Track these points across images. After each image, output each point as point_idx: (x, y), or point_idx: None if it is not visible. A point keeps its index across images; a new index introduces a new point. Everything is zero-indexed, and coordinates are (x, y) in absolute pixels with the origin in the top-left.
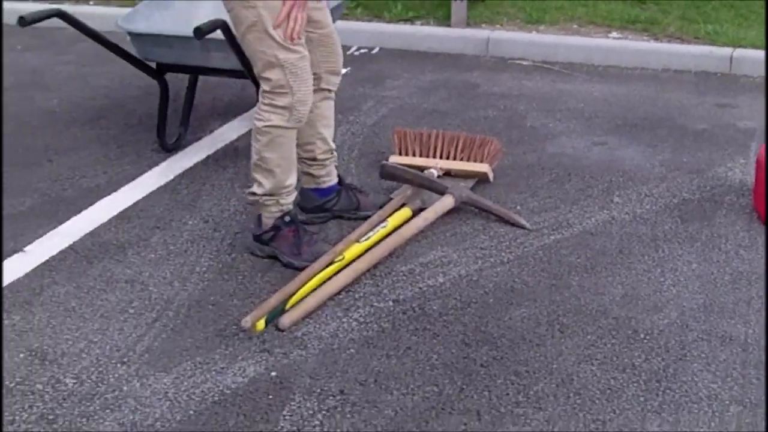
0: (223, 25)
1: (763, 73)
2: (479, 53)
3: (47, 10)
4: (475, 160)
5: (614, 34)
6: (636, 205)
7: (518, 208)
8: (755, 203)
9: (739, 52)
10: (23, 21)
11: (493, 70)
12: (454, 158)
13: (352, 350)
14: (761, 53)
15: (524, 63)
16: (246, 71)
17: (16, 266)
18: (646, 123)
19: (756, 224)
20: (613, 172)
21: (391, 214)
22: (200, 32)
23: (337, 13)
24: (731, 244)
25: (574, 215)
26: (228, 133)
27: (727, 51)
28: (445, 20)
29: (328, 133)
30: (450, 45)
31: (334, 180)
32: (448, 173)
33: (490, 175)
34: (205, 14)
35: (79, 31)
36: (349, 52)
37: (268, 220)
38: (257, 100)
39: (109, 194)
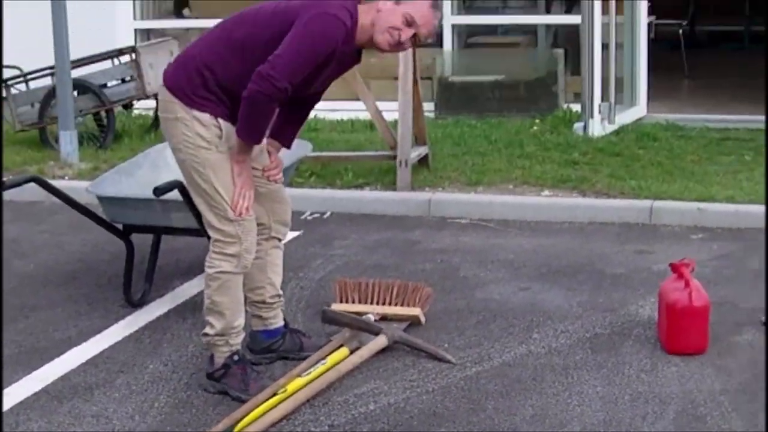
0: (180, 185)
1: (680, 222)
2: (422, 214)
3: (24, 176)
4: (408, 305)
5: (546, 192)
6: (552, 340)
7: (446, 345)
8: (659, 333)
9: (659, 203)
10: (2, 186)
11: (433, 228)
12: (389, 304)
13: None
14: (679, 204)
15: (462, 221)
16: (203, 230)
17: None
18: (568, 270)
19: (658, 351)
20: (535, 312)
21: (330, 353)
22: (159, 191)
23: (287, 174)
24: (634, 369)
25: (496, 350)
26: (189, 289)
27: (647, 203)
28: (392, 185)
29: (277, 279)
30: (395, 208)
31: (281, 322)
32: (384, 317)
33: (422, 318)
34: (166, 179)
35: (53, 194)
36: (302, 217)
37: (219, 359)
38: None
39: (79, 344)
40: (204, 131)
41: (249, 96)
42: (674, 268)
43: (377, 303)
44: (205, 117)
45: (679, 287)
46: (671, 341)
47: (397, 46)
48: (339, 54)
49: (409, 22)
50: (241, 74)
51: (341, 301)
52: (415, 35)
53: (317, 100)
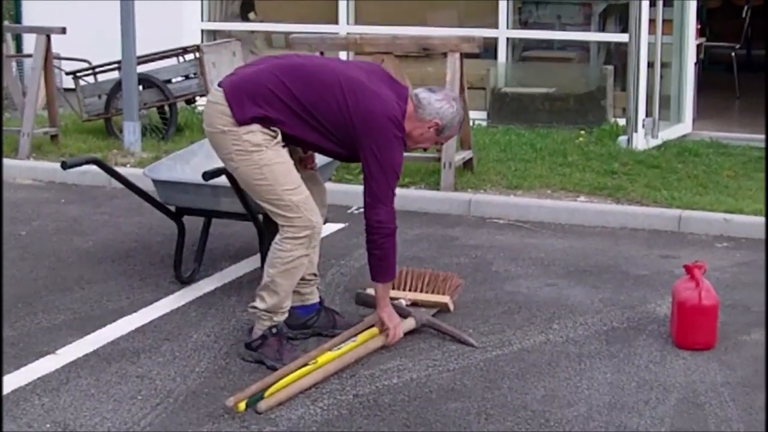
0: (227, 171)
1: (707, 231)
2: (462, 213)
3: (85, 156)
4: (438, 293)
5: (582, 198)
6: (570, 331)
7: (470, 331)
8: (670, 329)
9: (688, 213)
10: (64, 165)
11: (472, 227)
12: (421, 291)
13: (314, 429)
14: (707, 214)
15: (500, 221)
16: (249, 214)
17: (49, 364)
18: (595, 269)
19: (669, 346)
20: (558, 306)
21: (361, 332)
22: (207, 175)
23: (332, 166)
24: (643, 360)
25: (516, 337)
26: (236, 271)
27: (677, 212)
28: (437, 186)
29: (314, 257)
30: (437, 206)
31: (316, 299)
32: (415, 303)
33: (451, 306)
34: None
35: (110, 175)
36: (349, 211)
37: (258, 331)
38: (260, 243)
39: (130, 314)
40: (251, 137)
41: (378, 246)
42: (687, 269)
43: (409, 289)
44: (252, 126)
45: (690, 287)
46: (681, 337)
47: None
48: None
49: (438, 142)
50: (289, 112)
51: None
52: None
53: None
